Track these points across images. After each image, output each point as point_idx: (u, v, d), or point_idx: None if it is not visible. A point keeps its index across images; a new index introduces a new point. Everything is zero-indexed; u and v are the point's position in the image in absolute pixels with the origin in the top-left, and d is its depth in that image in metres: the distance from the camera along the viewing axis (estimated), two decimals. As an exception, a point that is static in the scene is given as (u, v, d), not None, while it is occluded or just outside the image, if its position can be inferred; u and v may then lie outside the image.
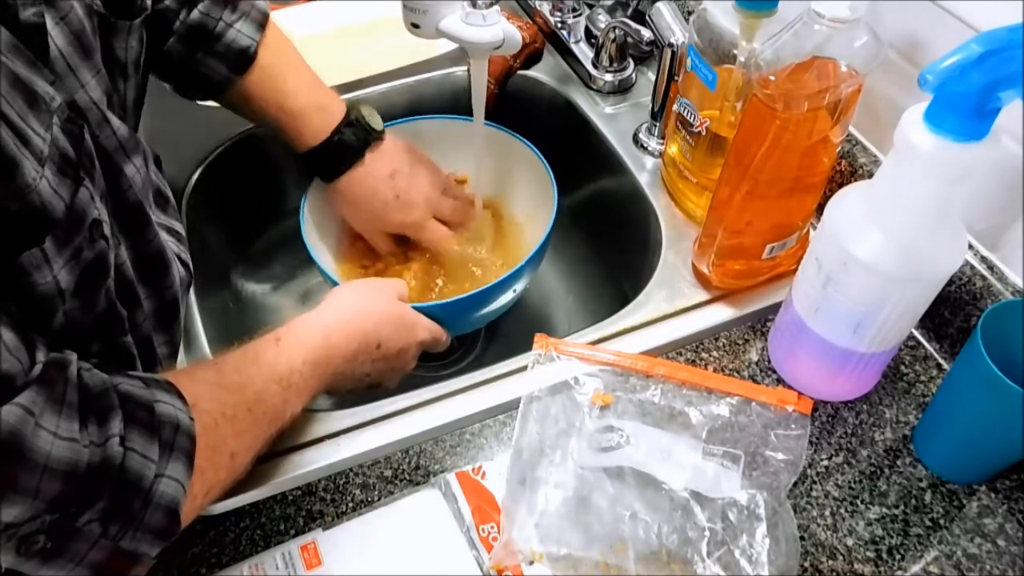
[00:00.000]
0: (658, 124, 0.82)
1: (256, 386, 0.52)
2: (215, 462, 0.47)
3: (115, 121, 0.48)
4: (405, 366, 0.66)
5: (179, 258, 0.58)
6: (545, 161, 0.77)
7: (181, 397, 0.45)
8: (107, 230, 0.44)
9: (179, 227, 0.62)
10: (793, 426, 0.59)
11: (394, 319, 0.63)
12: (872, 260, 0.51)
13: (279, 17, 1.04)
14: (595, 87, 0.89)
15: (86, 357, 0.43)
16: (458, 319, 0.71)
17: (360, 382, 0.62)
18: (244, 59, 0.65)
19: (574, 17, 0.92)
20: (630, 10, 0.89)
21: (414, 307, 0.65)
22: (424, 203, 0.74)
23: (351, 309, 0.61)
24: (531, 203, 0.82)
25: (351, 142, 0.70)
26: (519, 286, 0.73)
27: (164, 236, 0.57)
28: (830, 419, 0.61)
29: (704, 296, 0.69)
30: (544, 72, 0.93)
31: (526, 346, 0.64)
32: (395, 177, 0.72)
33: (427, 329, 0.66)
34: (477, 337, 0.89)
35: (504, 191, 0.85)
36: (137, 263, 0.52)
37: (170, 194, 0.63)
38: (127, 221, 0.50)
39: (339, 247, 0.80)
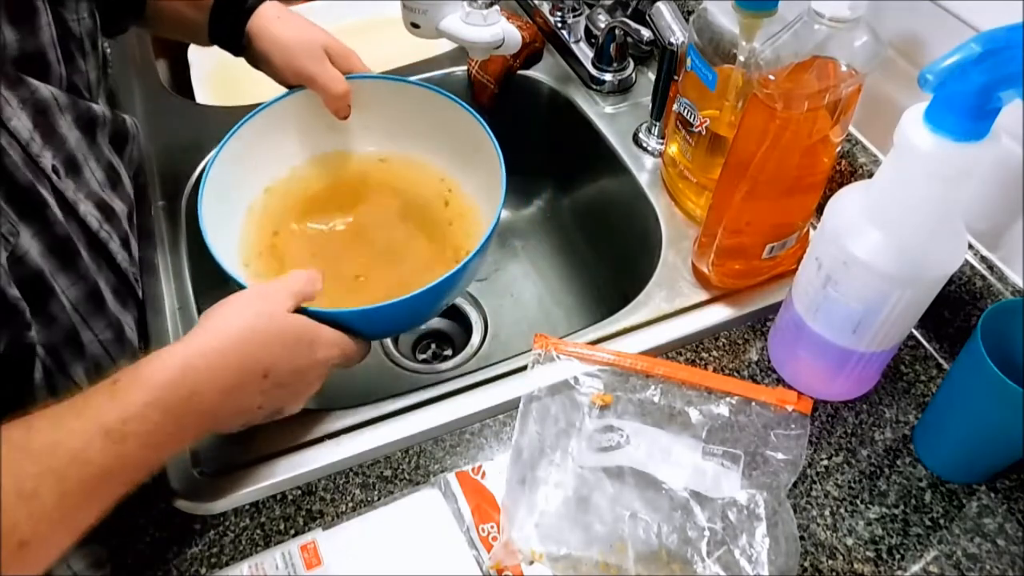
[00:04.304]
0: (658, 124, 0.82)
1: (73, 445, 0.41)
2: None
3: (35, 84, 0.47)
4: (307, 389, 0.54)
5: (98, 237, 0.55)
6: (501, 157, 0.65)
7: None
8: None
9: (119, 207, 0.59)
10: (793, 426, 0.59)
11: (286, 338, 0.51)
12: (872, 260, 0.51)
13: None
14: (595, 87, 0.89)
15: None
16: (380, 328, 0.62)
17: (251, 415, 0.52)
18: None
19: (574, 17, 0.92)
20: (630, 10, 0.89)
21: (323, 313, 0.54)
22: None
23: (228, 332, 0.49)
24: (483, 193, 0.72)
25: None
26: (454, 293, 0.63)
27: (92, 209, 0.55)
28: (830, 419, 0.61)
29: (704, 296, 0.69)
30: (544, 72, 0.93)
31: (526, 346, 0.64)
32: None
33: (333, 345, 0.54)
34: (477, 337, 0.90)
35: (459, 175, 0.74)
36: (50, 251, 0.49)
37: (123, 172, 0.61)
38: (24, 206, 0.47)
39: (251, 237, 0.69)
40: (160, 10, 0.69)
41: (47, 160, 0.50)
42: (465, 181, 0.73)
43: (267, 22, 0.67)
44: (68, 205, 0.52)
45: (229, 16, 0.67)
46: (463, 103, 0.69)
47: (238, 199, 0.69)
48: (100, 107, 0.58)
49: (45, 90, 0.50)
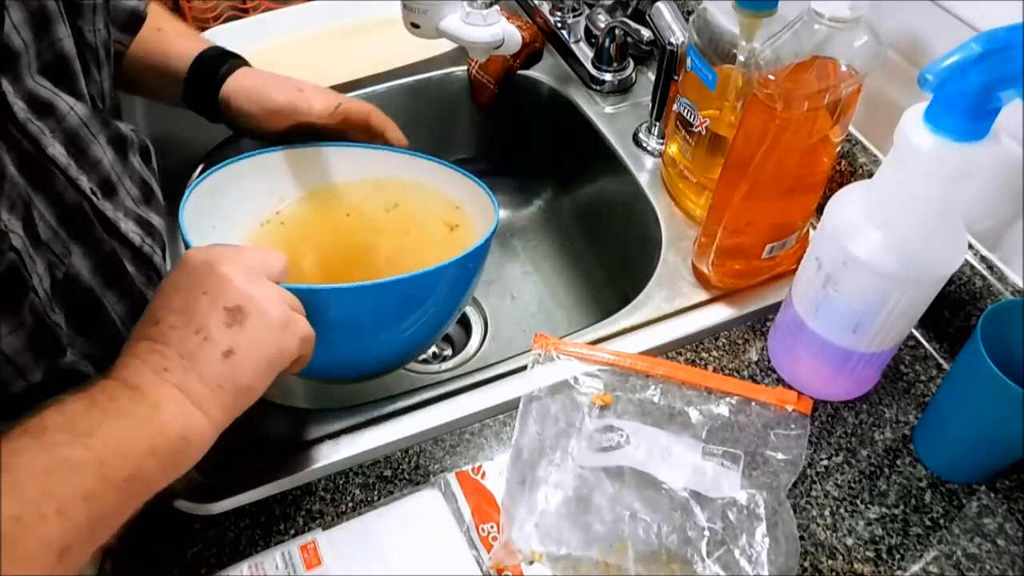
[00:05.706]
0: (658, 124, 0.82)
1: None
2: None
3: (65, 108, 0.48)
4: (271, 320, 0.45)
5: (141, 252, 0.57)
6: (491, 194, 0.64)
7: None
8: (17, 242, 0.41)
9: (157, 221, 0.60)
10: (793, 426, 0.59)
11: (173, 276, 0.46)
12: (872, 260, 0.51)
13: (279, 17, 1.04)
14: (595, 87, 0.89)
15: (34, 388, 0.41)
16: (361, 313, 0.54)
17: (228, 366, 0.44)
18: (135, 19, 0.65)
19: (574, 17, 0.92)
20: (630, 10, 0.89)
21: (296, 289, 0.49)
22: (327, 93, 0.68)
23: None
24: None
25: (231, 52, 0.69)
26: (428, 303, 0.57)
27: (132, 227, 0.56)
28: (830, 419, 0.61)
29: (704, 296, 0.69)
30: (544, 72, 0.93)
31: (526, 346, 0.64)
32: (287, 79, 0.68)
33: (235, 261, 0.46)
34: (477, 337, 0.90)
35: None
36: (98, 269, 0.51)
37: (155, 186, 0.62)
38: (74, 227, 0.49)
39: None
40: (134, 73, 0.69)
41: (85, 183, 0.51)
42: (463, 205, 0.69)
43: (241, 76, 0.68)
44: (110, 225, 0.54)
45: (203, 88, 0.68)
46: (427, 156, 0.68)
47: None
48: (124, 126, 0.58)
49: (73, 117, 0.51)
